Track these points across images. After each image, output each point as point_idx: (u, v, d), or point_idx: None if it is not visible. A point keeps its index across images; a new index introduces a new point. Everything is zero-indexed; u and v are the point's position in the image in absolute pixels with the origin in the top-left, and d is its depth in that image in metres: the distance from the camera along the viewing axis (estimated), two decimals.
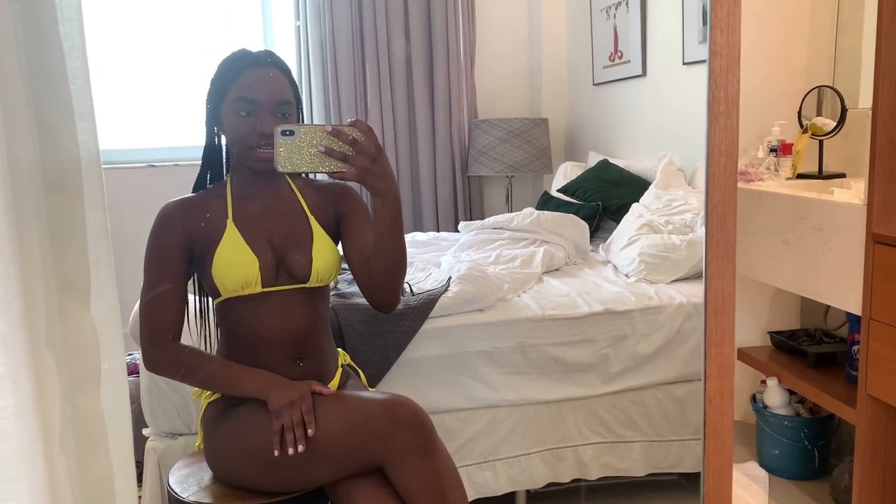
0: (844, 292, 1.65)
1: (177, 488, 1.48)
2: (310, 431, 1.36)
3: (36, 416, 0.53)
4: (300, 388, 1.42)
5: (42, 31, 0.58)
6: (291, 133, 1.28)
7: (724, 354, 1.09)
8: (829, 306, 2.20)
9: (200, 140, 1.59)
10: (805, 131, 2.12)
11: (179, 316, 1.50)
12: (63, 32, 0.61)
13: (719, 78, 0.99)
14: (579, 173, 3.45)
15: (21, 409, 0.55)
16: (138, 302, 1.54)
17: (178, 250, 1.49)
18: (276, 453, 1.36)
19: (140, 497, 1.95)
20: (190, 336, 1.62)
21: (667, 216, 2.59)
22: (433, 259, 2.73)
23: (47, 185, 0.63)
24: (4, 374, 0.55)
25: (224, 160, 1.59)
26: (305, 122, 3.75)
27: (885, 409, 1.56)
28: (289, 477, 1.41)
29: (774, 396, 2.14)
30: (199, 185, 1.59)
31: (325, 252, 1.53)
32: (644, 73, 3.30)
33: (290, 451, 1.35)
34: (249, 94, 1.44)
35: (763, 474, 2.11)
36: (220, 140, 1.57)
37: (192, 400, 1.90)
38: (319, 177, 1.55)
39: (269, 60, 1.48)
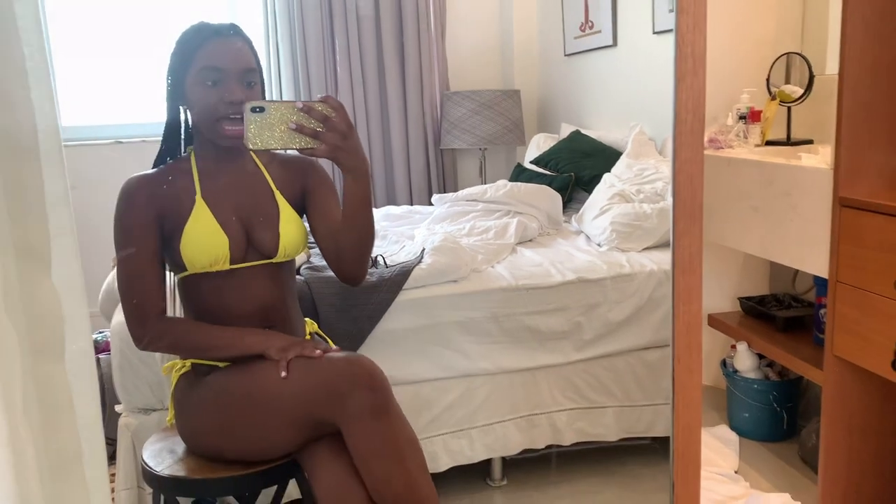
0: (812, 256, 1.68)
1: (151, 462, 1.47)
2: (318, 352, 1.39)
3: None
4: (300, 339, 1.45)
5: None
6: (262, 110, 1.26)
7: (692, 312, 1.11)
8: (797, 271, 2.23)
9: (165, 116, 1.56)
10: (773, 98, 2.14)
11: (161, 290, 1.48)
12: None
13: (686, 35, 0.99)
14: (552, 144, 3.45)
15: None
16: (107, 279, 1.52)
17: (148, 225, 1.46)
18: (283, 374, 1.36)
19: (114, 473, 1.95)
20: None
21: (638, 185, 2.60)
22: (407, 232, 2.72)
23: (1, 151, 0.62)
24: None
25: (184, 135, 1.57)
26: (271, 96, 3.71)
27: (850, 370, 1.60)
28: (255, 439, 1.41)
29: (744, 360, 2.18)
30: (159, 161, 1.57)
31: (291, 227, 1.52)
32: (615, 44, 3.30)
33: (318, 351, 1.39)
34: (215, 63, 1.42)
35: (734, 437, 2.15)
36: (185, 114, 1.54)
37: (165, 375, 1.89)
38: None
39: (231, 31, 1.47)
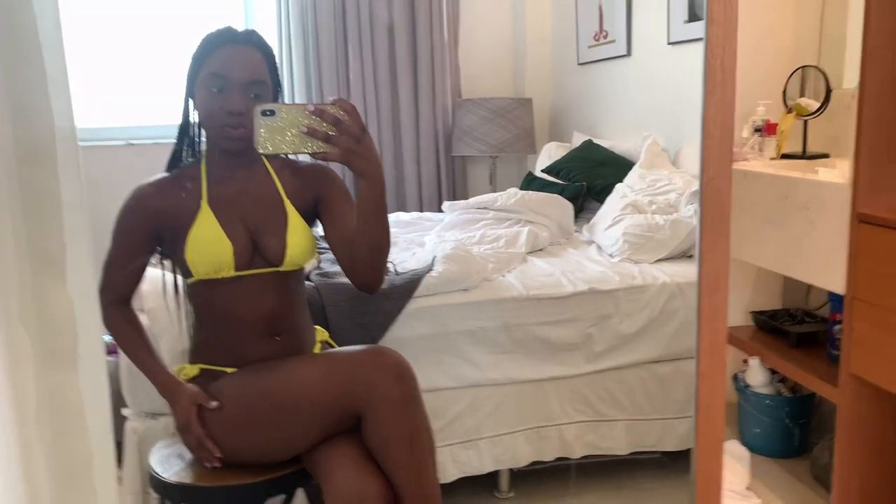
0: (828, 272, 1.66)
1: (158, 468, 1.46)
2: (217, 454, 1.43)
3: (9, 393, 0.52)
4: (185, 409, 1.46)
5: None
6: (272, 113, 1.23)
7: (717, 331, 1.09)
8: (810, 286, 2.21)
9: (180, 118, 1.56)
10: (790, 111, 2.12)
11: (128, 285, 1.54)
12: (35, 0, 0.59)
13: (716, 48, 0.98)
14: (563, 153, 3.44)
15: None
16: None
17: (144, 232, 1.51)
18: (208, 465, 1.45)
19: (120, 478, 1.94)
20: (169, 314, 1.61)
21: (651, 196, 2.59)
22: (417, 239, 2.71)
23: (19, 156, 0.61)
24: None
25: (197, 138, 1.57)
26: (283, 101, 3.71)
27: (866, 388, 1.57)
28: (274, 438, 1.40)
29: (756, 376, 2.16)
30: (172, 164, 1.57)
31: (299, 237, 1.52)
32: (629, 53, 3.29)
33: (208, 465, 1.44)
34: (220, 70, 1.42)
35: (745, 453, 2.13)
36: (193, 116, 1.54)
37: None
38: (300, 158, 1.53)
39: (248, 39, 1.46)
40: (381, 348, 1.42)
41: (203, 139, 1.57)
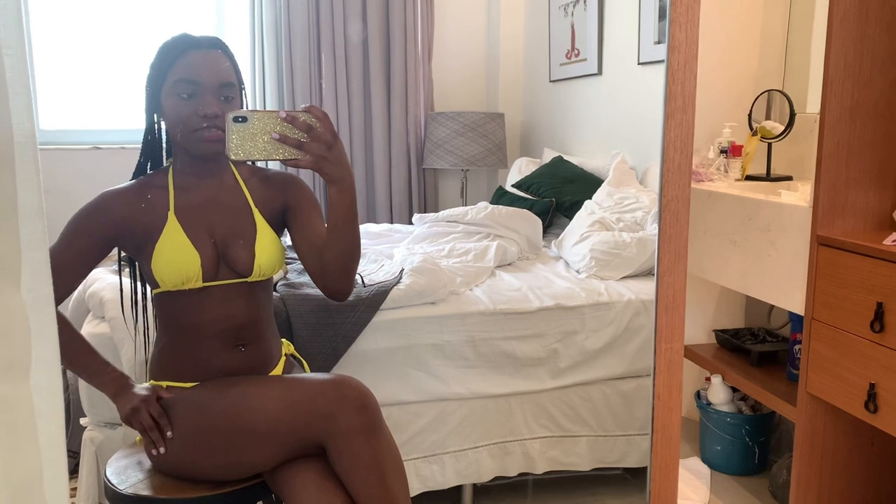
0: (789, 292, 1.69)
1: (114, 480, 1.43)
2: (169, 433, 1.40)
3: None
4: (143, 394, 1.44)
5: None
6: (244, 119, 1.23)
7: (674, 350, 1.10)
8: (772, 306, 2.25)
9: (144, 132, 1.54)
10: (754, 134, 2.16)
11: (67, 285, 1.45)
12: None
13: (677, 73, 1.00)
14: (534, 169, 3.46)
15: None
16: (78, 288, 1.50)
17: (100, 239, 1.45)
18: (154, 452, 1.41)
19: (75, 488, 1.90)
20: (127, 324, 1.58)
21: (618, 214, 2.62)
22: (386, 251, 2.71)
23: None
24: None
25: (164, 147, 1.55)
26: (252, 108, 3.69)
27: (824, 408, 1.60)
28: (233, 460, 1.38)
29: (718, 393, 2.19)
30: (138, 173, 1.54)
31: (268, 247, 1.50)
32: (600, 72, 3.33)
33: (154, 452, 1.40)
34: (190, 76, 1.40)
35: (705, 470, 2.15)
36: (160, 126, 1.52)
37: None
38: (270, 164, 1.52)
39: (212, 43, 1.45)
40: (343, 378, 1.39)
41: (168, 147, 1.55)
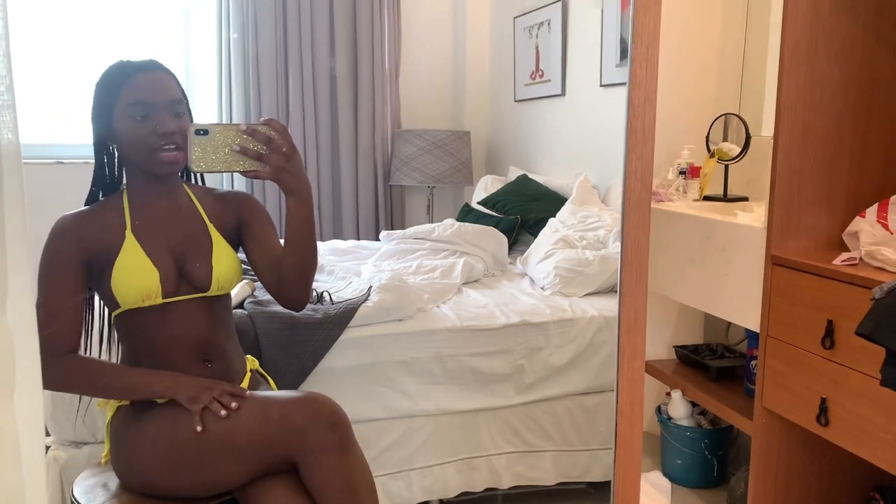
0: (744, 310, 1.75)
1: (82, 500, 1.43)
2: (234, 405, 1.37)
3: None
4: (211, 380, 1.44)
5: None
6: (205, 132, 1.27)
7: (635, 369, 1.15)
8: (730, 322, 2.32)
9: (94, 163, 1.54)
10: (712, 156, 2.24)
11: (76, 329, 1.45)
12: None
13: (637, 108, 1.05)
14: (499, 187, 3.51)
15: None
16: None
17: (75, 264, 1.44)
18: (198, 429, 1.36)
19: None
20: (89, 349, 1.57)
21: (581, 232, 2.67)
22: (353, 268, 2.72)
23: None
24: None
25: (117, 173, 1.56)
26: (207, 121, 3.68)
27: (779, 422, 1.66)
28: (204, 477, 1.38)
29: (678, 408, 2.24)
30: (91, 200, 1.55)
31: (225, 260, 1.52)
32: (563, 93, 3.40)
33: (223, 413, 1.36)
34: (141, 97, 1.42)
35: (666, 483, 2.20)
36: (112, 153, 1.53)
37: (99, 409, 1.84)
38: (235, 180, 1.54)
39: (154, 65, 1.47)
40: (315, 395, 1.41)
41: (118, 174, 1.56)
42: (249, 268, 2.32)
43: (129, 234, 1.47)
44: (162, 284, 1.45)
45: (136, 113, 1.42)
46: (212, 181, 3.59)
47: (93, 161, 1.55)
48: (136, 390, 1.45)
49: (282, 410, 1.37)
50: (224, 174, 3.65)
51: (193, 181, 1.65)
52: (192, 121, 1.51)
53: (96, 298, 1.57)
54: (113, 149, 1.53)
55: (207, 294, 1.51)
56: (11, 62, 0.66)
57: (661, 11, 1.03)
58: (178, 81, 1.50)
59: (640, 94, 1.04)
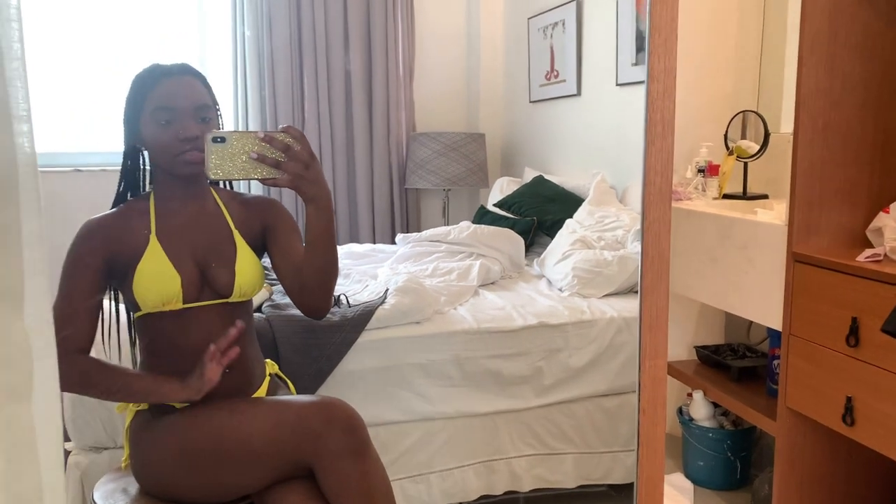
0: (766, 308, 1.73)
1: None
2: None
3: None
4: (200, 372, 1.45)
5: None
6: (223, 140, 1.26)
7: (657, 367, 1.13)
8: (751, 322, 2.29)
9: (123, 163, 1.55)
10: (731, 153, 2.21)
11: (90, 330, 1.46)
12: (1, 33, 0.60)
13: (656, 101, 1.04)
14: (515, 188, 3.50)
15: None
16: None
17: (95, 268, 1.45)
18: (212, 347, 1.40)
19: None
20: (104, 349, 1.57)
21: (599, 232, 2.65)
22: (370, 271, 2.72)
23: None
24: None
25: (143, 176, 1.57)
26: (231, 128, 3.70)
27: (803, 421, 1.64)
28: (221, 481, 1.38)
29: (700, 409, 2.22)
30: (118, 201, 1.56)
31: (248, 267, 1.52)
32: (579, 93, 3.38)
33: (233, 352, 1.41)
34: (167, 103, 1.43)
35: (688, 485, 2.17)
36: (141, 156, 1.55)
37: (119, 413, 1.84)
38: (252, 187, 1.54)
39: (183, 70, 1.48)
40: (331, 400, 1.41)
41: (147, 177, 1.57)
42: (269, 272, 2.34)
43: (153, 238, 1.47)
44: (183, 290, 1.45)
45: (160, 118, 1.43)
46: (236, 186, 3.61)
47: (110, 168, 1.56)
48: (144, 394, 1.45)
49: (297, 415, 1.36)
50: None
51: (221, 185, 1.66)
52: (221, 127, 1.52)
53: (106, 302, 1.57)
54: (142, 151, 1.54)
55: (229, 300, 1.51)
56: (27, 73, 0.66)
57: (678, 3, 1.02)
58: (208, 87, 1.50)
59: (659, 86, 1.02)
